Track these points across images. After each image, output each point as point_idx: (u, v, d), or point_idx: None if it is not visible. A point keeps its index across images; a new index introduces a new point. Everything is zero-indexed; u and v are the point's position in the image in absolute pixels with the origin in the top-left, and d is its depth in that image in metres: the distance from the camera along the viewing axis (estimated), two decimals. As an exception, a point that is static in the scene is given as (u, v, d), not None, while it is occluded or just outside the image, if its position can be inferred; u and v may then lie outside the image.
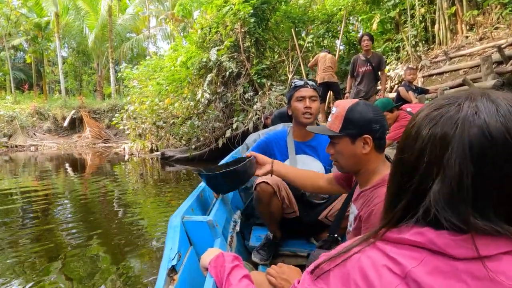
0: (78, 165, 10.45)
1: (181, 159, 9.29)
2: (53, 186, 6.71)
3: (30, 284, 2.52)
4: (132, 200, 5.49)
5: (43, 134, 18.26)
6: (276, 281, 1.24)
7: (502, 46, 5.63)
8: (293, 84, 2.09)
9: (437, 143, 0.49)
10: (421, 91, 5.35)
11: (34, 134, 17.81)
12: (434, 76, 7.01)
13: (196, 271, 1.14)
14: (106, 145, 16.80)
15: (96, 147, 16.43)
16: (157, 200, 5.36)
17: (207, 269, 1.02)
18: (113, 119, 13.53)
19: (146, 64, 12.49)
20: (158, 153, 10.41)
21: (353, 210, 1.32)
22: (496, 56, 5.63)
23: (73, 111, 18.54)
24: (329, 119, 1.31)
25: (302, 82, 2.03)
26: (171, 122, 10.12)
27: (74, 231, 3.77)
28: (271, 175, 1.65)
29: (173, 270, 1.20)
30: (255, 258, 2.01)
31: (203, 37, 8.89)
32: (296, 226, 2.10)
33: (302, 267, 1.50)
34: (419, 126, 0.53)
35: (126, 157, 11.76)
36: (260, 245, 2.08)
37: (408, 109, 3.54)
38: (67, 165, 10.25)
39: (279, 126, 3.23)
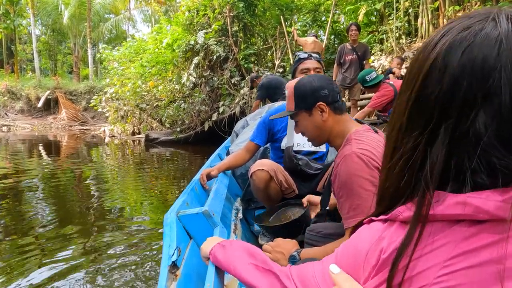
0: (53, 147, 10.12)
1: (165, 142, 9.23)
2: (26, 168, 6.37)
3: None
4: (112, 183, 5.38)
5: (15, 114, 17.52)
6: (271, 255, 1.28)
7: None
8: (297, 57, 2.08)
9: (477, 70, 0.40)
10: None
11: (6, 114, 17.07)
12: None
13: (200, 263, 1.11)
14: (83, 127, 16.35)
15: (73, 129, 15.96)
16: (140, 182, 5.32)
17: (208, 259, 1.01)
18: (91, 101, 13.17)
19: (128, 45, 12.19)
20: (142, 135, 10.28)
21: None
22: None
23: (48, 92, 17.85)
24: (286, 102, 1.39)
25: (306, 55, 2.04)
26: (154, 104, 9.99)
27: (47, 216, 3.47)
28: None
29: (174, 266, 1.18)
30: (261, 241, 2.01)
31: (190, 19, 8.78)
32: None
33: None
34: (445, 54, 0.42)
35: (107, 139, 11.53)
36: None
37: (390, 82, 3.73)
38: (41, 146, 9.92)
39: (265, 108, 3.23)
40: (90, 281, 2.17)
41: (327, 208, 1.62)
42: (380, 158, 1.11)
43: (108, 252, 2.59)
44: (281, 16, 8.90)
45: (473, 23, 0.42)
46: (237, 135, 3.08)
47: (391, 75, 5.66)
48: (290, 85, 1.37)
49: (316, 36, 7.16)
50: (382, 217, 0.49)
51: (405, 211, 0.46)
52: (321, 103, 1.26)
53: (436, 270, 0.41)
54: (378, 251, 0.47)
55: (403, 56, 7.11)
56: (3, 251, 2.62)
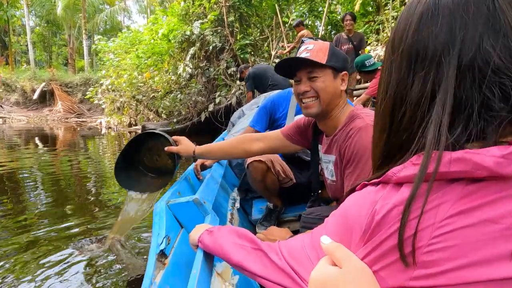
0: (49, 139, 10.08)
1: (162, 133, 9.25)
2: (23, 159, 6.36)
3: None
4: (108, 173, 5.41)
5: (11, 106, 17.42)
6: None
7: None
8: (302, 42, 2.06)
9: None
10: None
11: (1, 106, 16.96)
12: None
13: (191, 251, 1.09)
14: (80, 119, 16.30)
15: (69, 121, 15.90)
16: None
17: (197, 246, 0.99)
18: (87, 93, 13.12)
19: (124, 36, 12.11)
20: (138, 126, 10.29)
21: (329, 159, 1.33)
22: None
23: (43, 84, 17.74)
24: (306, 54, 1.24)
25: (312, 41, 2.02)
26: (151, 96, 9.98)
27: (44, 206, 3.47)
28: (195, 160, 1.62)
29: (162, 255, 1.17)
30: (259, 230, 1.98)
31: (186, 9, 8.73)
32: (296, 191, 2.08)
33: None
34: None
35: (103, 131, 11.52)
36: (262, 216, 2.07)
37: None
38: (38, 138, 9.88)
39: (261, 98, 3.23)
40: (81, 266, 2.19)
41: (320, 192, 1.61)
42: None
43: (99, 241, 2.58)
44: (277, 6, 8.87)
45: None
46: (233, 125, 3.06)
47: None
48: (320, 41, 1.29)
49: (302, 22, 7.11)
50: (374, 180, 0.47)
51: (401, 170, 0.43)
52: (346, 72, 1.28)
53: (431, 231, 0.39)
54: (371, 214, 0.44)
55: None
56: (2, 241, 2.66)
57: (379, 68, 3.72)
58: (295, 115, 2.13)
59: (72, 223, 2.93)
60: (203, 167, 2.06)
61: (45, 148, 7.82)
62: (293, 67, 1.29)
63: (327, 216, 1.40)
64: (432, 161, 0.40)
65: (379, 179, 0.46)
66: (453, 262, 0.39)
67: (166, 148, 1.60)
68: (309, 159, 2.05)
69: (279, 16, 8.33)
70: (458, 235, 0.38)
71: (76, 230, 2.76)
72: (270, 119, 2.17)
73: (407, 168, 0.43)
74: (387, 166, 0.48)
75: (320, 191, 1.60)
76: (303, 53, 1.26)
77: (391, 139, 0.48)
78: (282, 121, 2.15)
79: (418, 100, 0.44)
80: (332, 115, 1.28)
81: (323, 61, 1.21)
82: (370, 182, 0.48)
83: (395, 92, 0.47)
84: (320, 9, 10.50)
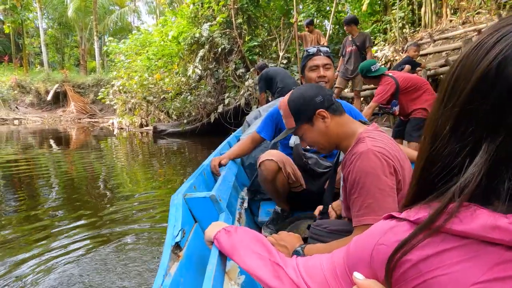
0: (63, 139, 10.34)
1: (173, 133, 9.47)
2: (39, 160, 6.56)
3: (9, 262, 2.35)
4: (121, 171, 5.56)
5: (26, 108, 17.87)
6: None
7: (482, 30, 5.99)
8: (306, 52, 1.98)
9: None
10: (416, 65, 5.70)
11: (17, 107, 17.41)
12: (419, 57, 7.37)
13: (203, 246, 1.09)
14: (92, 120, 16.65)
15: (82, 122, 16.27)
16: (148, 171, 5.50)
17: (212, 243, 0.99)
18: (99, 94, 13.42)
19: (134, 38, 12.34)
20: (149, 127, 10.52)
21: (342, 177, 1.35)
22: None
23: (56, 85, 18.15)
24: (283, 121, 1.39)
25: (314, 50, 1.93)
26: (161, 97, 10.20)
27: (58, 202, 3.67)
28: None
29: (177, 247, 1.17)
30: (265, 233, 1.98)
31: (195, 12, 8.90)
32: (304, 198, 2.05)
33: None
34: (499, 66, 0.39)
35: (115, 131, 11.79)
36: (269, 219, 2.07)
37: (390, 74, 3.75)
38: (53, 139, 10.17)
39: (279, 100, 3.30)
40: (96, 257, 2.37)
41: (331, 205, 1.63)
42: (393, 157, 1.12)
43: (114, 234, 2.77)
44: (285, 7, 8.96)
45: None
46: (249, 125, 3.15)
47: (406, 66, 5.62)
48: (283, 104, 1.35)
49: (312, 22, 7.13)
50: (404, 215, 0.46)
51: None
52: (320, 110, 1.25)
53: None
54: (398, 255, 0.44)
55: (404, 46, 7.17)
56: (16, 234, 2.83)
57: (384, 73, 3.73)
58: None
59: (82, 222, 3.09)
60: (219, 165, 2.12)
61: (59, 149, 8.08)
62: None
63: (334, 230, 1.50)
64: (467, 220, 0.39)
65: (410, 219, 0.45)
66: None
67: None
68: (321, 170, 2.09)
69: (281, 20, 8.41)
70: None
71: (89, 231, 2.91)
72: (277, 128, 2.18)
73: (443, 216, 0.42)
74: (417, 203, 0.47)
75: (331, 205, 1.63)
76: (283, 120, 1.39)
77: (419, 183, 0.48)
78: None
79: (445, 166, 0.43)
80: (340, 142, 1.30)
81: (293, 125, 1.32)
82: (398, 216, 0.47)
83: (433, 142, 0.46)
84: (328, 8, 10.56)
